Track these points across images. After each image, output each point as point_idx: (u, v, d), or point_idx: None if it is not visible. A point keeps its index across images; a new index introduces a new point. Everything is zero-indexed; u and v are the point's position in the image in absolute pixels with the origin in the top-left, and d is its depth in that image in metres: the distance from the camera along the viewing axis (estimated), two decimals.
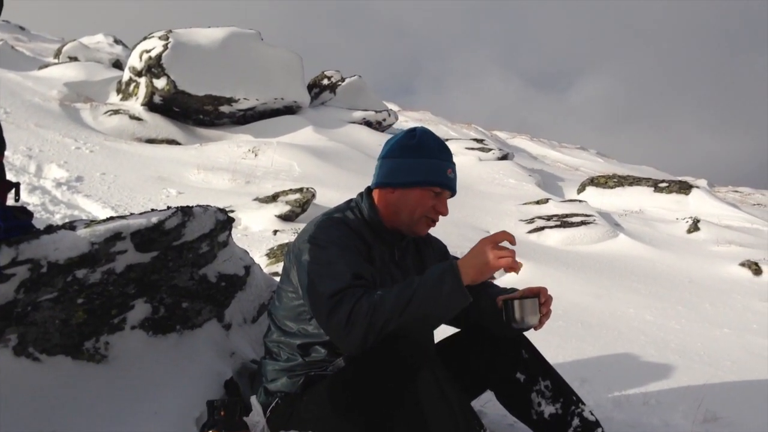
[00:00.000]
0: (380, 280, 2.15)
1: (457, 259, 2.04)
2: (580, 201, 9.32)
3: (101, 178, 6.71)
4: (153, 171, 7.46)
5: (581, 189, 10.93)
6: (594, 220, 7.62)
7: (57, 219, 5.00)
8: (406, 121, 18.10)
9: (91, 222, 2.42)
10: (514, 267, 1.88)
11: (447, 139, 14.12)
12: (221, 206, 6.46)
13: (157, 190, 6.76)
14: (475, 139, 14.18)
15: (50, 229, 2.24)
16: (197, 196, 6.76)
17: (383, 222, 2.24)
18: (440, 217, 2.26)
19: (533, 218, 7.89)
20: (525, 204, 8.82)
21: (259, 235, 5.81)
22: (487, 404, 2.44)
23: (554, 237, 7.24)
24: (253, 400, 1.95)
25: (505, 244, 1.93)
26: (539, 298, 2.05)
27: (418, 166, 2.19)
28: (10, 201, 2.38)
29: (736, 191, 15.49)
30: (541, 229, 7.47)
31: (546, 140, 21.76)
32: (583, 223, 7.52)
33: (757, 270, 6.16)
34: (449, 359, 2.16)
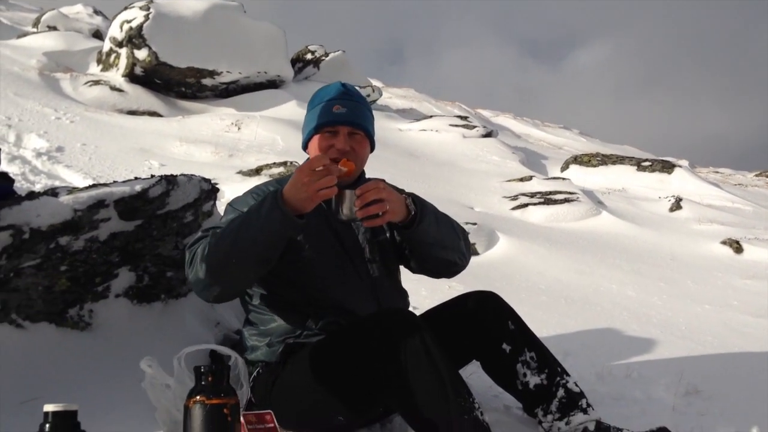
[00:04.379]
0: (315, 239, 2.13)
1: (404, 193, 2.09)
2: (563, 179, 9.35)
3: (82, 148, 6.61)
4: (134, 143, 7.36)
5: (565, 167, 10.96)
6: (577, 197, 7.65)
7: (38, 189, 4.91)
8: (390, 97, 18.01)
9: (74, 189, 2.38)
10: (331, 192, 1.83)
11: (430, 116, 14.08)
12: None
13: (139, 161, 6.67)
14: (459, 116, 14.15)
15: (32, 195, 2.20)
16: (180, 168, 6.67)
17: None
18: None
19: (517, 195, 7.91)
20: (509, 181, 8.83)
21: None
22: (472, 375, 2.44)
23: (538, 214, 7.26)
24: (241, 363, 1.94)
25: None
26: (356, 190, 1.94)
27: (309, 116, 2.23)
28: None
29: (717, 172, 15.61)
30: (525, 206, 7.49)
31: (529, 119, 21.77)
32: (566, 200, 7.55)
33: (738, 248, 6.23)
34: (435, 329, 2.15)
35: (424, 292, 3.77)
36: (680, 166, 10.49)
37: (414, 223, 2.04)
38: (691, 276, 5.28)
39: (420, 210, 2.06)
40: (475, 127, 12.72)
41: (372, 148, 2.29)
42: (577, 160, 11.00)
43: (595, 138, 20.15)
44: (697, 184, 9.80)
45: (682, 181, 9.92)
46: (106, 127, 7.79)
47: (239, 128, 8.82)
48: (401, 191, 2.21)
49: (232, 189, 6.12)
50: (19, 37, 12.06)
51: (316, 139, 2.18)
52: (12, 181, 2.32)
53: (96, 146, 6.79)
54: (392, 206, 1.95)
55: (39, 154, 6.05)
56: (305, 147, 2.26)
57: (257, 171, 6.71)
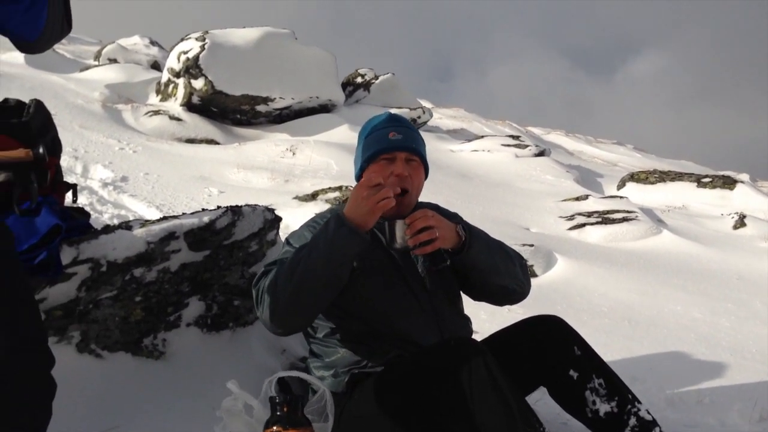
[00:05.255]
0: (377, 272, 2.14)
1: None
2: (620, 197, 9.19)
3: (145, 177, 6.81)
4: (194, 170, 7.54)
5: (621, 185, 10.78)
6: (636, 216, 7.51)
7: (105, 218, 5.09)
8: (440, 118, 18.05)
9: (146, 222, 2.46)
10: (390, 203, 1.87)
11: (482, 136, 14.05)
12: (261, 204, 6.49)
13: (199, 189, 6.84)
14: (511, 136, 14.07)
15: (108, 229, 2.29)
16: (238, 194, 6.82)
17: None
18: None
19: (573, 215, 7.81)
20: (564, 201, 8.73)
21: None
22: (539, 402, 2.42)
23: (596, 234, 7.15)
24: (328, 395, 1.95)
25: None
26: (405, 219, 1.98)
27: (363, 146, 2.26)
28: (68, 202, 2.43)
29: None
30: (582, 225, 7.39)
31: (581, 135, 21.50)
32: (625, 219, 7.42)
33: None
34: (498, 355, 2.14)
35: (483, 316, 3.75)
36: (742, 181, 10.20)
37: (464, 248, 2.06)
38: (760, 297, 5.12)
39: (469, 236, 2.08)
40: (527, 146, 12.63)
41: (426, 175, 2.31)
42: (634, 177, 10.80)
43: (650, 153, 19.77)
44: (761, 200, 9.51)
45: (744, 196, 9.64)
46: (167, 156, 8.01)
47: (294, 153, 8.96)
48: (453, 218, 2.23)
49: (289, 214, 6.23)
50: (81, 70, 12.53)
51: (372, 167, 2.21)
52: (88, 215, 2.42)
53: (158, 175, 6.98)
54: (442, 233, 1.98)
55: (105, 185, 6.26)
56: (359, 177, 2.28)
57: (313, 196, 6.79)
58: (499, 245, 2.24)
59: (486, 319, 3.66)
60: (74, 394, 1.99)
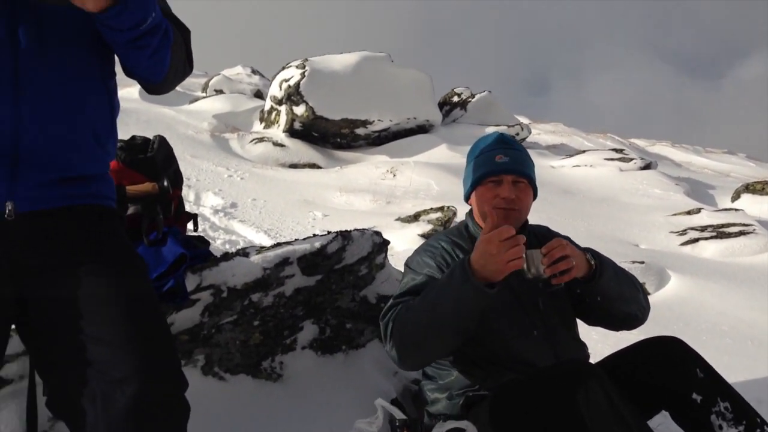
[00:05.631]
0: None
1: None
2: (735, 210, 8.75)
3: (252, 203, 7.07)
4: (298, 195, 7.76)
5: (735, 197, 10.25)
6: (754, 229, 7.12)
7: (218, 244, 5.31)
8: (539, 133, 17.77)
9: (262, 248, 2.56)
10: (520, 263, 1.82)
11: (583, 151, 13.74)
12: (365, 227, 6.59)
13: (304, 213, 7.02)
14: (614, 149, 13.68)
15: (227, 256, 2.40)
16: (341, 218, 6.96)
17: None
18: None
19: (685, 230, 7.49)
20: (674, 215, 8.38)
21: (404, 254, 5.85)
22: (660, 426, 2.32)
23: (711, 249, 6.83)
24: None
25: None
26: (541, 248, 1.90)
27: (471, 168, 2.24)
28: (189, 230, 2.56)
29: None
30: (695, 240, 7.08)
31: (689, 146, 20.63)
32: (741, 233, 7.05)
33: None
34: (615, 378, 2.08)
35: (595, 336, 3.63)
36: None
37: (595, 277, 2.02)
38: None
39: (600, 264, 2.04)
40: (632, 159, 12.24)
41: (535, 196, 2.29)
42: (749, 188, 10.25)
43: (764, 162, 18.72)
44: None
45: None
46: (272, 182, 8.28)
47: (394, 175, 9.06)
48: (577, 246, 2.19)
49: (392, 236, 6.29)
50: (191, 102, 13.16)
51: (479, 190, 2.21)
52: (208, 243, 2.54)
53: (265, 200, 7.23)
54: (576, 261, 1.94)
55: (216, 211, 6.54)
56: (468, 198, 2.30)
57: (415, 217, 6.84)
58: (624, 272, 2.19)
59: (598, 340, 3.55)
60: (201, 415, 2.07)
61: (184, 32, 1.69)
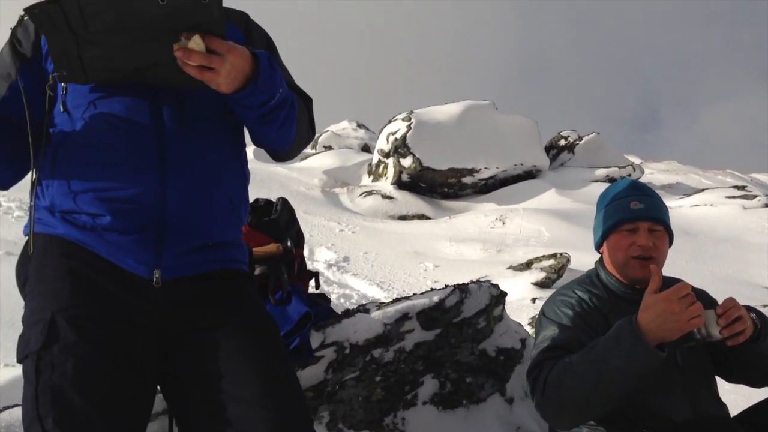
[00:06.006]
0: None
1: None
2: None
3: (364, 256, 7.20)
4: (409, 246, 7.84)
5: None
6: None
7: (333, 298, 5.43)
8: (651, 173, 17.18)
9: (381, 304, 2.61)
10: (700, 321, 1.74)
11: (701, 189, 13.16)
12: (477, 276, 6.54)
13: (415, 264, 7.08)
14: (735, 186, 13.02)
15: (348, 313, 2.46)
16: (453, 268, 6.96)
17: (622, 282, 2.17)
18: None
19: None
20: None
21: (518, 303, 5.81)
22: None
23: None
24: None
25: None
26: (715, 309, 1.78)
27: (603, 215, 2.18)
28: (311, 289, 2.65)
29: None
30: None
31: None
32: None
33: None
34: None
35: (727, 387, 3.44)
36: None
37: (760, 337, 1.93)
38: None
39: (764, 323, 1.95)
40: (755, 196, 11.61)
41: (670, 243, 2.22)
42: None
43: None
44: None
45: None
46: (383, 234, 8.41)
47: (504, 223, 9.00)
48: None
49: (504, 285, 6.22)
50: (301, 160, 13.65)
51: (613, 237, 2.16)
52: (329, 300, 2.61)
53: (376, 253, 7.34)
54: (749, 322, 1.88)
55: (330, 265, 6.70)
56: (599, 247, 2.25)
57: (527, 265, 6.75)
58: None
59: (730, 390, 3.36)
60: None
61: (306, 101, 1.79)
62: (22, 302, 1.54)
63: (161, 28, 1.40)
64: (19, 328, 1.49)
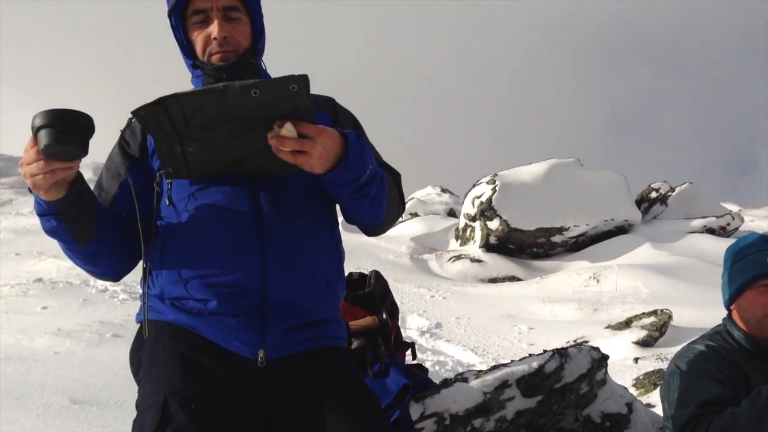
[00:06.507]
0: None
1: None
2: None
3: (456, 322, 7.14)
4: (501, 309, 7.72)
5: None
6: None
7: (428, 365, 5.39)
8: (752, 220, 16.38)
9: (479, 372, 2.58)
10: None
11: None
12: (573, 337, 6.35)
13: (509, 327, 6.96)
14: None
15: (447, 382, 2.45)
16: (548, 329, 6.80)
17: (757, 340, 2.07)
18: None
19: None
20: None
21: (620, 364, 5.59)
22: None
23: None
24: None
25: None
26: None
27: (736, 270, 2.12)
28: (408, 359, 2.66)
29: None
30: None
31: None
32: None
33: None
34: None
35: None
36: None
37: None
38: None
39: None
40: None
41: None
42: None
43: None
44: None
45: None
46: (474, 298, 8.33)
47: (598, 281, 8.76)
48: None
49: (603, 345, 6.01)
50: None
51: (750, 294, 2.10)
52: (426, 371, 2.61)
53: (468, 318, 7.27)
54: None
55: (422, 332, 6.67)
56: (730, 303, 2.18)
57: (627, 324, 6.51)
58: None
59: None
60: None
61: (395, 176, 1.85)
62: (129, 382, 1.62)
63: (255, 120, 1.50)
64: (127, 408, 1.57)
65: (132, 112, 1.53)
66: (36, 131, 1.41)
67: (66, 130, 1.40)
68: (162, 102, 1.48)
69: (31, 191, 1.51)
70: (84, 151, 1.45)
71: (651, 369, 5.29)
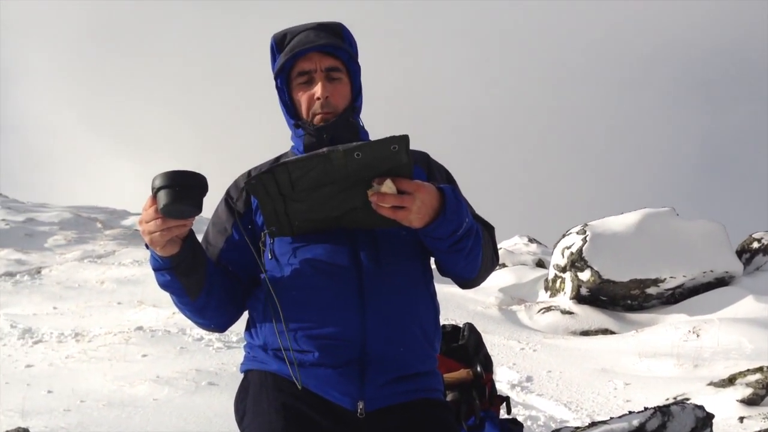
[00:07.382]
0: None
1: None
2: None
3: (548, 375, 6.97)
4: (594, 363, 7.50)
5: None
6: None
7: (520, 419, 5.27)
8: None
9: (577, 429, 2.52)
10: None
11: None
12: (673, 395, 6.09)
13: (603, 382, 6.73)
14: None
15: None
16: (645, 386, 6.54)
17: None
18: None
19: None
20: None
21: (724, 423, 5.30)
22: None
23: None
24: None
25: None
26: None
27: None
28: (503, 413, 2.63)
29: None
30: None
31: None
32: None
33: None
34: None
35: None
36: None
37: None
38: None
39: None
40: None
41: None
42: None
43: None
44: None
45: None
46: (565, 351, 8.12)
47: (698, 335, 8.38)
48: None
49: (707, 403, 5.73)
50: None
51: None
52: (521, 426, 2.57)
53: (560, 371, 7.08)
54: None
55: (513, 386, 6.54)
56: None
57: (730, 381, 6.18)
58: None
59: None
60: None
61: (489, 229, 1.87)
62: (224, 430, 1.67)
63: (357, 179, 1.56)
64: None
65: (245, 183, 1.65)
66: (156, 191, 1.51)
67: (183, 190, 1.50)
68: (271, 171, 1.57)
69: (147, 247, 1.61)
70: (198, 209, 1.54)
71: (758, 429, 4.99)
